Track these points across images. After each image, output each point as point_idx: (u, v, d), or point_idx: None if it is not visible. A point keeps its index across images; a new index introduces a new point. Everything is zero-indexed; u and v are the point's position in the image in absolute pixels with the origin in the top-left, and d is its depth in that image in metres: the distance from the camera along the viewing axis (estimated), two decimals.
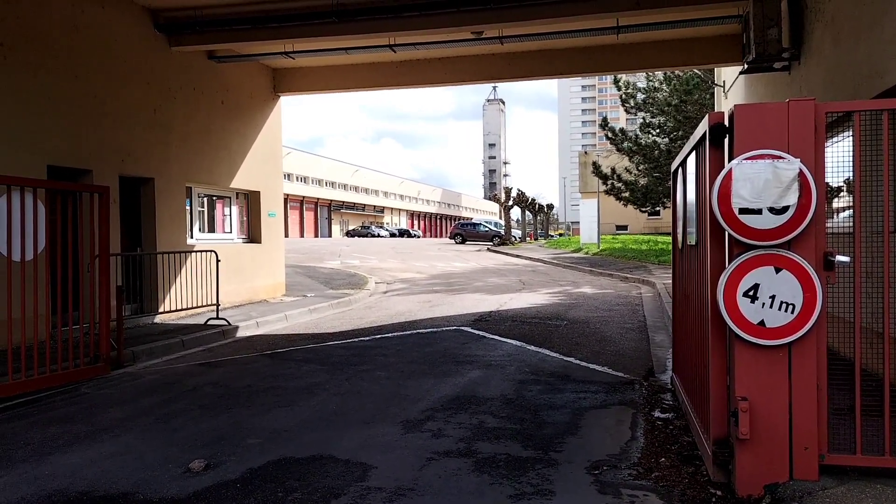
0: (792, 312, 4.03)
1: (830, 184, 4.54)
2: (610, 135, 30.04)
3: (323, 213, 74.32)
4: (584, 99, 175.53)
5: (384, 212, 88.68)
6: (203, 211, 14.36)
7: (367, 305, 15.15)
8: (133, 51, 11.58)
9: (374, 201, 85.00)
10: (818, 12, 8.44)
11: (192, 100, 13.14)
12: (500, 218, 58.55)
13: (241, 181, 14.82)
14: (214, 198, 14.71)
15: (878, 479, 4.05)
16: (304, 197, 68.37)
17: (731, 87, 14.96)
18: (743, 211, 4.05)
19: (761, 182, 4.01)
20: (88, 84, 10.61)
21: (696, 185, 5.04)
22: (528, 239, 52.71)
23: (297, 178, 65.30)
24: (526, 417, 6.13)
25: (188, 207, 13.46)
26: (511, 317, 12.76)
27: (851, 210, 4.27)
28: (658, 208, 32.53)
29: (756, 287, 4.07)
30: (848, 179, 4.75)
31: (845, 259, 4.09)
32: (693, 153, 5.24)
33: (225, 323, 11.31)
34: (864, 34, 6.87)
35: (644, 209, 32.45)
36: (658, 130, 28.72)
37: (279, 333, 11.44)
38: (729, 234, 4.17)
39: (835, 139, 5.97)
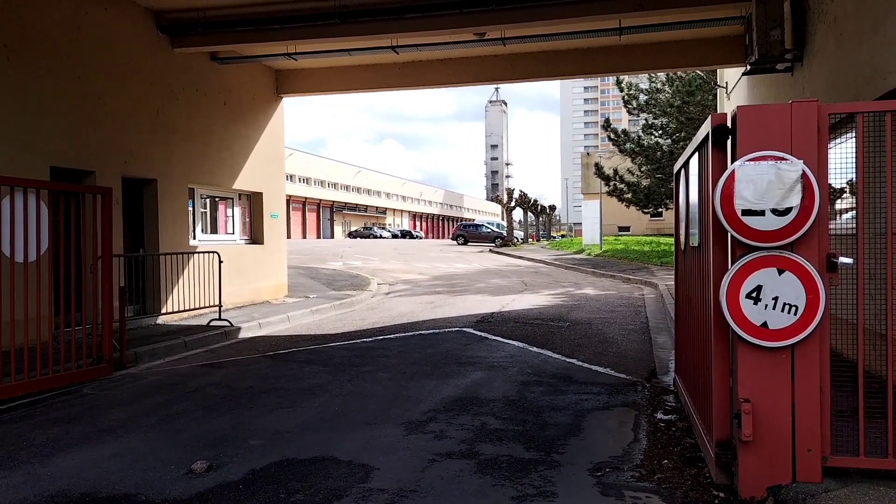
0: (795, 314, 4.02)
1: (833, 185, 4.53)
2: (612, 136, 30.05)
3: (325, 214, 74.34)
4: (586, 100, 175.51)
5: (386, 213, 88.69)
6: (206, 212, 14.38)
7: (370, 306, 15.15)
8: (136, 52, 11.60)
9: (376, 202, 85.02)
10: (821, 13, 8.43)
11: (194, 101, 13.16)
12: (503, 219, 58.56)
13: (243, 182, 14.83)
14: (217, 199, 14.73)
15: (881, 482, 4.04)
16: (306, 198, 68.41)
17: (734, 88, 14.95)
18: (746, 212, 4.04)
19: (764, 183, 4.01)
20: (91, 85, 10.63)
21: (699, 187, 5.04)
22: (530, 240, 52.70)
23: (299, 179, 65.34)
24: (528, 419, 6.12)
25: (191, 208, 13.47)
26: (513, 318, 12.76)
27: (854, 211, 4.26)
28: (660, 210, 32.53)
29: (759, 289, 4.06)
30: (851, 181, 4.75)
31: (848, 261, 4.08)
32: (696, 154, 5.23)
33: (227, 324, 11.32)
34: (867, 35, 6.86)
35: (646, 210, 32.46)
36: (660, 132, 28.73)
37: (281, 334, 11.45)
38: (732, 236, 4.16)
39: (838, 141, 5.96)
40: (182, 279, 12.24)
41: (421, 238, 75.95)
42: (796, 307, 4.02)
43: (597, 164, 33.54)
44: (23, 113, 9.46)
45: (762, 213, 4.02)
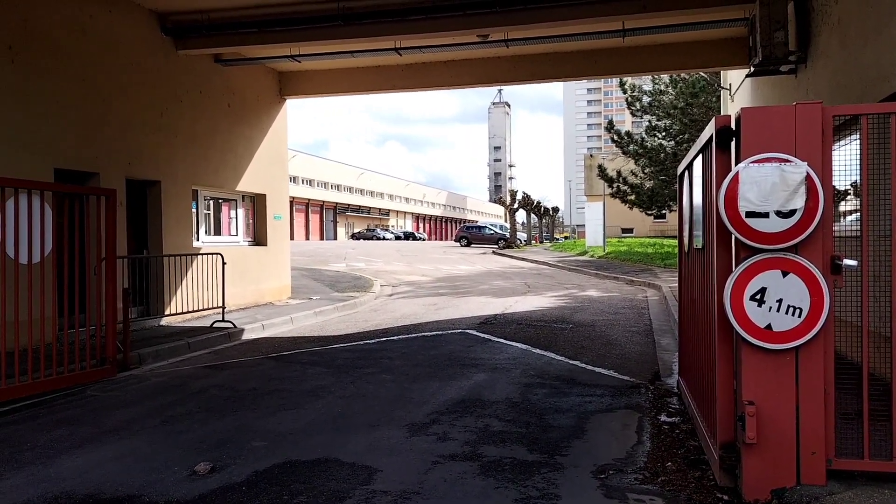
0: (799, 316, 4.01)
1: (837, 187, 4.52)
2: (616, 138, 30.01)
3: (328, 215, 74.40)
4: (589, 102, 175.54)
5: (389, 214, 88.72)
6: (209, 214, 14.40)
7: (373, 308, 15.15)
8: (140, 54, 11.62)
9: (379, 204, 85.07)
10: (825, 15, 8.41)
11: (198, 103, 13.18)
12: (506, 221, 58.53)
13: (247, 184, 14.85)
14: (220, 200, 14.75)
15: (885, 485, 4.03)
16: (309, 200, 68.47)
17: (738, 90, 14.93)
18: (750, 214, 4.04)
19: (768, 185, 4.00)
20: (95, 87, 10.66)
21: (703, 189, 5.03)
22: (533, 242, 52.68)
23: (302, 180, 65.40)
24: (531, 421, 6.11)
25: (194, 210, 13.49)
26: (516, 320, 12.75)
27: (859, 213, 4.25)
28: (664, 211, 32.47)
29: (763, 291, 4.05)
30: (855, 183, 4.74)
31: (853, 263, 4.07)
32: (699, 156, 5.23)
33: (231, 325, 11.32)
34: (872, 37, 6.85)
35: (650, 212, 32.40)
36: (664, 133, 28.68)
37: (285, 336, 11.46)
38: (736, 238, 4.15)
39: (842, 142, 5.95)
40: (186, 281, 12.26)
41: (424, 240, 75.96)
42: (800, 309, 4.01)
43: (600, 166, 33.51)
44: (27, 114, 9.48)
45: (766, 215, 4.01)
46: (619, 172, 31.46)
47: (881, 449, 4.10)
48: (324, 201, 72.16)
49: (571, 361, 8.84)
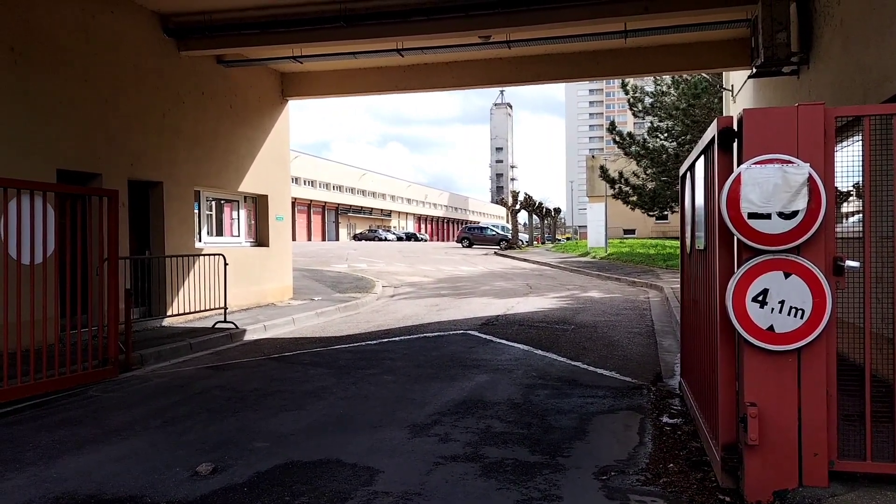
0: (801, 318, 4.01)
1: (840, 188, 4.52)
2: (618, 139, 29.99)
3: (330, 216, 74.44)
4: (591, 103, 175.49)
5: (391, 215, 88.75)
6: (211, 214, 14.41)
7: (374, 309, 15.16)
8: (142, 55, 11.64)
9: (381, 205, 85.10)
10: (827, 16, 8.40)
11: (200, 104, 13.19)
12: (507, 222, 58.51)
13: (249, 185, 14.86)
14: (222, 201, 14.76)
15: (888, 486, 4.02)
16: (311, 200, 68.50)
17: (740, 91, 14.92)
18: (752, 215, 4.03)
19: (770, 186, 4.00)
20: (98, 88, 10.67)
21: (705, 190, 5.03)
22: (535, 243, 52.64)
23: (304, 181, 65.43)
24: (533, 422, 6.11)
25: (196, 211, 13.50)
26: (518, 321, 12.74)
27: (861, 215, 4.24)
28: (666, 212, 32.45)
29: (765, 292, 4.05)
30: (857, 184, 4.73)
31: (855, 264, 4.07)
32: (701, 157, 5.22)
33: (232, 326, 11.33)
34: (874, 38, 6.84)
35: (652, 213, 32.38)
36: (666, 134, 28.67)
37: (286, 337, 11.46)
38: (738, 239, 4.15)
39: (844, 144, 5.94)
40: (187, 281, 12.27)
41: (426, 240, 75.93)
42: (803, 311, 4.01)
43: (602, 167, 33.50)
44: (30, 116, 9.49)
45: (768, 216, 4.01)
46: (620, 173, 31.44)
47: (883, 450, 4.10)
48: (326, 202, 72.20)
49: (573, 362, 8.84)
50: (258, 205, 15.67)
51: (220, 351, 10.13)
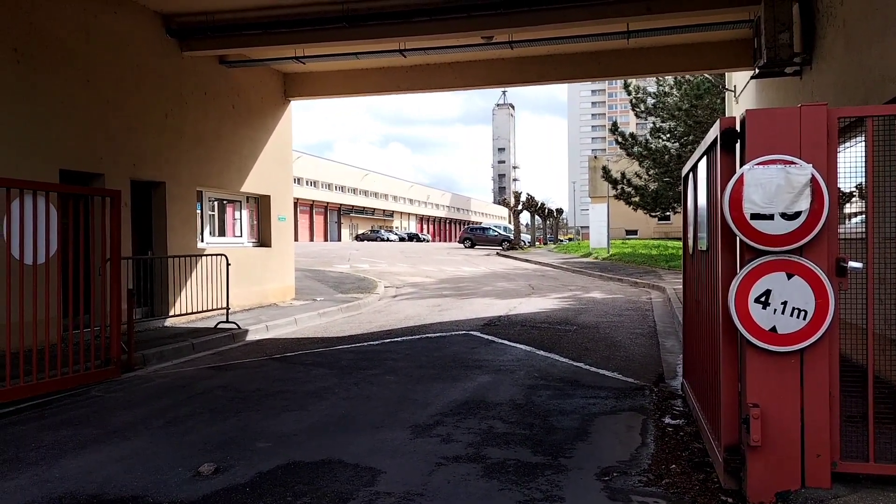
0: (804, 319, 4.00)
1: (843, 189, 4.51)
2: (620, 139, 30.00)
3: (332, 217, 74.47)
4: (593, 103, 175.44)
5: (393, 216, 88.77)
6: (213, 215, 14.42)
7: (377, 309, 15.16)
8: (145, 56, 11.66)
9: (383, 205, 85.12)
10: (830, 17, 8.39)
11: (203, 104, 13.21)
12: (510, 222, 58.51)
13: (251, 185, 14.87)
14: (225, 202, 14.77)
15: (891, 488, 4.02)
16: (313, 201, 68.54)
17: (742, 91, 14.90)
18: (754, 216, 4.03)
19: (773, 187, 3.99)
20: (101, 88, 10.69)
21: (707, 190, 5.02)
22: (537, 243, 52.63)
23: (306, 182, 65.48)
24: (535, 423, 6.11)
25: (199, 211, 13.51)
26: (520, 321, 12.74)
27: (864, 215, 4.24)
28: (668, 213, 32.47)
29: (768, 293, 4.04)
30: (860, 185, 4.72)
31: (858, 265, 4.06)
32: (704, 158, 5.22)
33: (235, 326, 11.34)
34: (877, 39, 6.83)
35: (654, 214, 32.39)
36: (668, 135, 28.67)
37: (289, 337, 11.47)
38: (740, 240, 4.15)
39: (847, 144, 5.93)
40: (190, 281, 12.28)
41: (428, 241, 75.93)
42: (805, 312, 4.00)
43: (604, 168, 33.49)
44: (33, 116, 9.51)
45: (771, 217, 4.00)
46: (623, 174, 31.44)
47: (886, 452, 4.09)
48: (328, 202, 72.24)
49: (575, 363, 8.83)
50: (260, 205, 15.68)
51: (222, 351, 10.14)
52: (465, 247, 49.36)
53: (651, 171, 29.61)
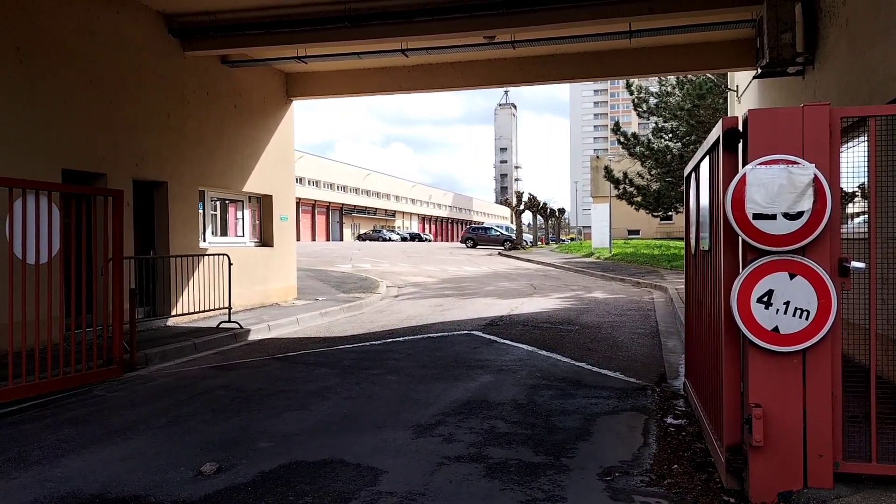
0: (806, 319, 4.00)
1: (845, 189, 4.51)
2: (622, 139, 29.96)
3: (334, 216, 74.50)
4: (596, 103, 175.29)
5: (395, 216, 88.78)
6: (216, 214, 14.43)
7: (379, 309, 15.16)
8: (147, 55, 11.67)
9: (385, 205, 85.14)
10: (833, 17, 8.38)
11: (205, 104, 13.22)
12: (512, 222, 58.48)
13: (253, 185, 14.88)
14: (227, 201, 14.79)
15: (893, 488, 4.01)
16: (315, 201, 68.57)
17: (745, 91, 14.88)
18: (757, 216, 4.02)
19: (776, 187, 3.98)
20: (103, 89, 10.70)
21: (710, 190, 5.02)
22: (539, 243, 52.61)
23: (308, 181, 65.52)
24: (537, 423, 6.11)
25: (201, 211, 13.53)
26: (522, 321, 12.74)
27: (867, 215, 4.23)
28: (670, 213, 32.40)
29: (770, 293, 4.04)
30: (863, 185, 4.72)
31: (860, 265, 4.05)
32: (706, 158, 5.21)
33: (237, 326, 11.35)
34: (880, 39, 6.82)
35: (656, 214, 32.33)
36: (670, 135, 28.64)
37: (291, 337, 11.47)
38: (743, 240, 4.14)
39: (850, 144, 5.92)
40: (192, 281, 12.29)
41: (430, 241, 75.94)
42: (808, 312, 3.99)
43: (606, 168, 33.45)
44: (35, 115, 9.52)
45: (773, 216, 4.00)
46: (625, 174, 31.40)
47: (889, 452, 4.09)
48: (330, 202, 72.27)
49: (577, 363, 8.83)
50: (262, 205, 15.69)
51: (224, 351, 10.15)
52: (467, 247, 49.36)
53: (653, 171, 29.57)
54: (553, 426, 6.00)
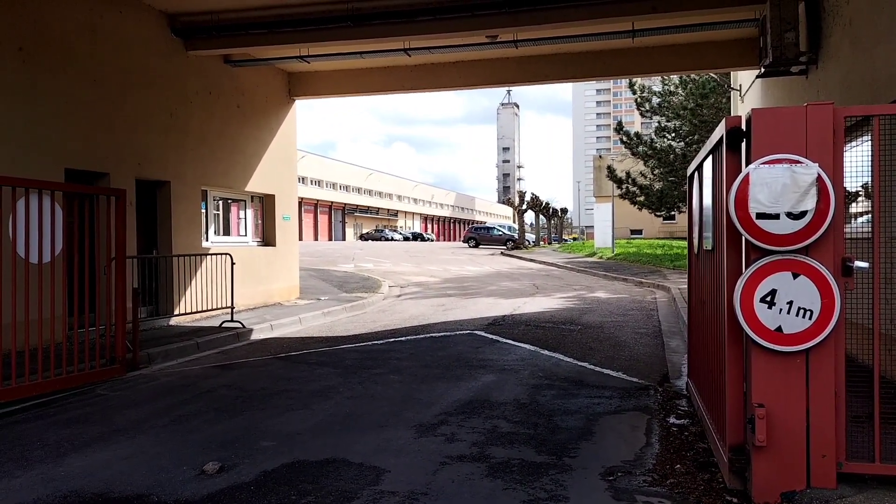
0: (810, 318, 3.99)
1: (849, 189, 4.49)
2: (625, 139, 29.92)
3: (337, 216, 74.53)
4: (598, 103, 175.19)
5: (398, 215, 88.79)
6: (218, 214, 14.45)
7: (381, 309, 15.16)
8: (150, 55, 11.68)
9: (387, 205, 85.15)
10: (836, 16, 8.37)
11: (207, 104, 13.23)
12: (514, 222, 58.44)
13: (256, 184, 14.89)
14: (230, 201, 14.80)
15: None
16: (318, 200, 68.60)
17: (748, 90, 14.86)
18: (760, 216, 4.01)
19: (779, 187, 3.98)
20: (106, 88, 10.71)
21: (713, 190, 5.01)
22: (541, 243, 52.57)
23: (311, 181, 65.53)
24: (539, 422, 6.10)
25: (203, 210, 13.54)
26: (525, 321, 12.73)
27: (870, 215, 4.22)
28: (673, 213, 32.36)
29: (773, 293, 4.03)
30: (866, 184, 4.70)
31: (864, 265, 4.04)
32: (709, 157, 5.21)
33: (239, 325, 11.36)
34: (883, 38, 6.80)
35: (659, 213, 32.28)
36: (673, 134, 28.60)
37: (293, 336, 11.48)
38: (746, 240, 4.13)
39: (853, 143, 5.91)
40: (195, 281, 12.30)
41: (432, 240, 75.95)
42: (811, 311, 3.99)
43: (609, 167, 33.42)
44: (38, 115, 9.54)
45: (777, 216, 3.99)
46: (628, 173, 31.37)
47: (892, 452, 4.08)
48: (332, 202, 72.29)
49: (580, 363, 8.82)
50: (265, 204, 15.70)
51: (226, 350, 10.16)
52: (470, 246, 49.34)
53: (656, 171, 29.53)
54: (555, 426, 5.99)
